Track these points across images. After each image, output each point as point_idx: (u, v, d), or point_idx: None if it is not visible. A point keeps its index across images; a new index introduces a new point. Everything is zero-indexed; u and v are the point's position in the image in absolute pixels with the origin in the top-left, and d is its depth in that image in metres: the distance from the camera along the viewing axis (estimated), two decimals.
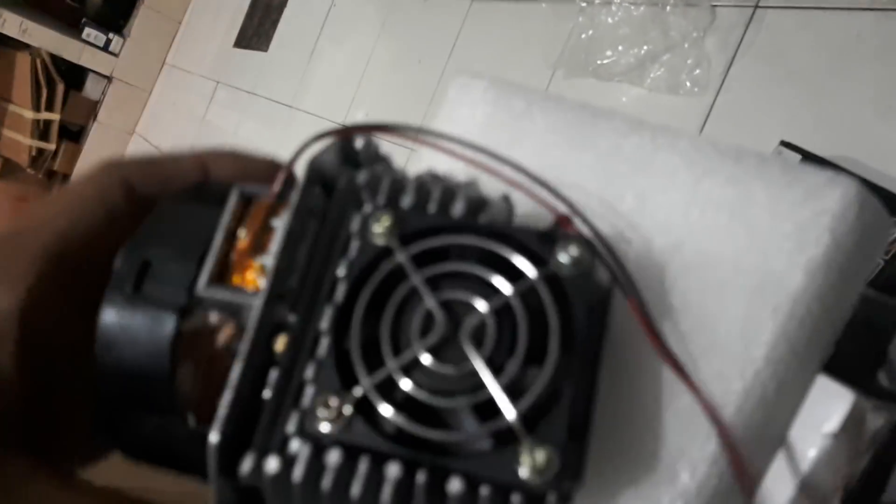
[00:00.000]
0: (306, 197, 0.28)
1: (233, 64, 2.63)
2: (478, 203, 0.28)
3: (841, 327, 0.28)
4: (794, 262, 0.27)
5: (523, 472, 0.27)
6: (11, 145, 2.87)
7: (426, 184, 0.28)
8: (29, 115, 2.75)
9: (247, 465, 0.27)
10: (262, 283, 0.29)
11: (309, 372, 0.28)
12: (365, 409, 0.27)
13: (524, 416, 0.27)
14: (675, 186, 0.30)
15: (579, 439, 0.28)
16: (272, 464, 0.27)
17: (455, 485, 0.27)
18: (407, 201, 0.28)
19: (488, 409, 0.28)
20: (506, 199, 0.28)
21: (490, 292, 0.28)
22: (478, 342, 0.27)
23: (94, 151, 2.97)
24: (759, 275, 0.28)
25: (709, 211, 0.29)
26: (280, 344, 0.29)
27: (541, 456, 0.27)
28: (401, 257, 0.27)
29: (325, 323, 0.28)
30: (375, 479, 0.27)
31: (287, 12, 2.38)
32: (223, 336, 0.30)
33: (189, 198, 0.31)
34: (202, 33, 2.89)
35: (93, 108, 2.95)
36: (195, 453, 0.30)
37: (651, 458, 0.30)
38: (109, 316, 0.29)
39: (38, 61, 2.71)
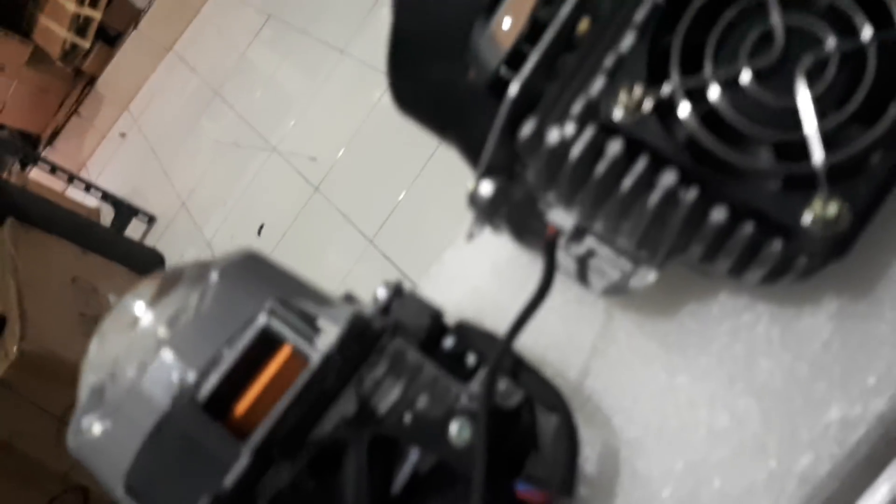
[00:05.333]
0: None
1: None
2: None
3: None
4: None
5: (807, 218, 0.25)
6: (46, 34, 2.80)
7: None
8: (71, 7, 2.69)
9: (527, 128, 0.26)
10: None
11: (608, 61, 0.26)
12: (661, 110, 0.26)
13: (831, 167, 0.25)
14: None
15: (870, 209, 0.26)
16: (553, 135, 0.26)
17: (719, 213, 0.26)
18: None
19: (791, 150, 0.26)
20: None
21: (845, 32, 0.25)
22: (811, 80, 0.25)
23: (128, 59, 2.91)
24: None
25: None
26: (583, 26, 0.26)
27: (833, 209, 0.25)
28: None
29: (639, 15, 0.26)
30: (647, 181, 0.26)
31: None
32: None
33: None
34: None
35: (136, 16, 2.89)
36: (467, 106, 0.29)
37: None
38: None
39: None
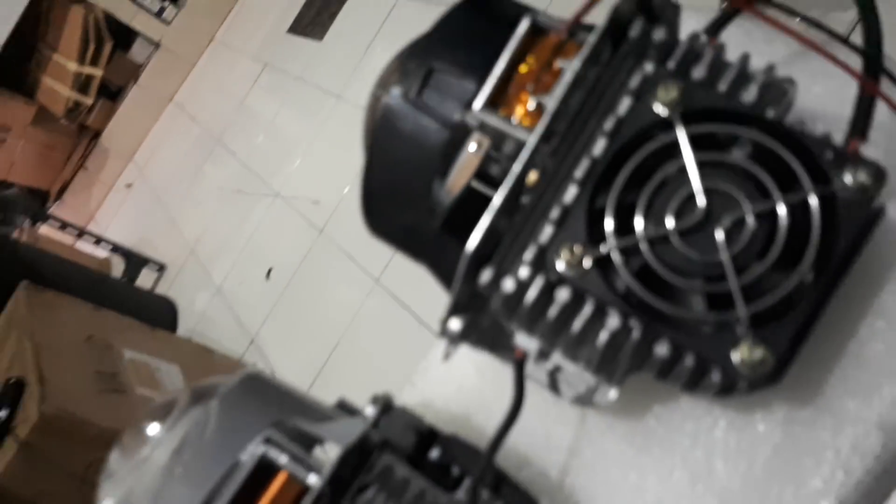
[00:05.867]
0: (601, 44, 0.29)
1: (283, 49, 2.66)
2: (772, 92, 0.28)
3: None
4: None
5: (735, 359, 0.28)
6: (49, 94, 2.87)
7: (721, 59, 0.29)
8: (72, 66, 2.76)
9: (485, 277, 0.29)
10: (534, 120, 0.30)
11: (554, 213, 0.29)
12: (602, 264, 0.29)
13: (754, 316, 0.28)
14: None
15: (793, 349, 0.29)
16: (508, 284, 0.29)
17: (663, 348, 0.29)
18: (698, 73, 0.29)
19: (721, 298, 0.29)
20: (790, 83, 0.29)
21: (758, 193, 0.28)
22: (730, 238, 0.28)
23: (130, 112, 2.98)
24: None
25: None
26: (532, 178, 0.30)
27: (758, 354, 0.28)
28: (680, 136, 0.28)
29: (579, 172, 0.29)
30: (595, 322, 0.29)
31: (348, 6, 2.42)
32: (476, 158, 0.31)
33: (482, 10, 0.32)
34: (256, 15, 2.92)
35: (135, 71, 2.97)
36: (433, 250, 0.32)
37: (868, 364, 0.31)
38: (392, 113, 0.31)
39: (92, 17, 2.74)
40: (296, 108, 2.51)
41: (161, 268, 2.66)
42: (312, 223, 2.19)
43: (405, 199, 0.35)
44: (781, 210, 0.28)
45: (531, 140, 0.31)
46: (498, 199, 0.31)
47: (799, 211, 0.28)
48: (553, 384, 0.38)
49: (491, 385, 0.45)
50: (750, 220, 0.28)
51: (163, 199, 2.89)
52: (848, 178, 0.27)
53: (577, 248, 0.29)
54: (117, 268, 2.68)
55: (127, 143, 3.04)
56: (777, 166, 0.28)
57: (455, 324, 0.34)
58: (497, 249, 0.31)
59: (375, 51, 2.19)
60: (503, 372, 0.44)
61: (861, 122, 0.28)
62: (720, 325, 0.29)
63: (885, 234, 0.32)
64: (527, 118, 0.32)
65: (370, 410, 0.39)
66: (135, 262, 2.61)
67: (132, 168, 3.10)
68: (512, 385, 0.37)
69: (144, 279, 2.64)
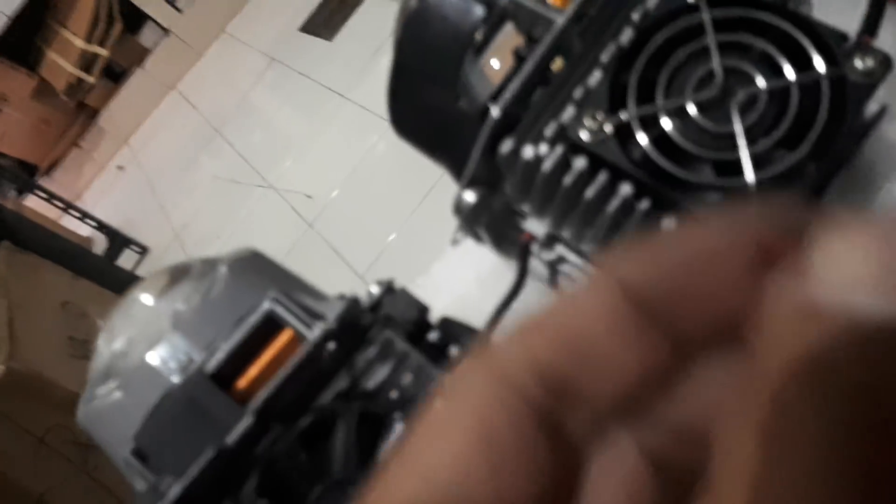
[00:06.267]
0: None
1: (292, 46, 2.69)
2: None
3: None
4: None
5: None
6: (53, 68, 2.88)
7: None
8: (79, 43, 2.78)
9: (506, 146, 0.31)
10: (567, 2, 0.32)
11: (577, 94, 0.31)
12: (621, 133, 0.31)
13: (760, 183, 0.30)
14: None
15: None
16: (528, 152, 0.30)
17: (669, 221, 0.30)
18: None
19: (729, 168, 0.31)
20: None
21: (773, 73, 0.30)
22: (743, 111, 0.30)
23: (131, 95, 2.98)
24: None
25: None
26: (557, 65, 0.31)
27: None
28: (705, 16, 0.30)
29: (605, 57, 0.31)
30: (607, 191, 0.31)
31: (361, 9, 2.46)
32: (513, 43, 0.33)
33: None
34: (270, 11, 2.96)
35: (142, 55, 2.98)
36: (456, 129, 0.34)
37: None
38: None
39: None
40: (299, 105, 2.54)
41: (144, 250, 2.64)
42: (303, 217, 2.19)
43: (435, 75, 0.37)
44: (794, 88, 0.30)
45: (560, 19, 0.32)
46: (526, 68, 0.32)
47: (810, 91, 0.30)
48: (553, 279, 0.40)
49: (491, 294, 0.46)
50: (763, 96, 0.30)
51: (154, 185, 2.88)
52: (858, 63, 0.29)
53: (600, 116, 0.31)
54: (99, 248, 2.65)
55: (124, 126, 3.04)
56: (792, 51, 0.30)
57: (470, 195, 0.36)
58: (518, 126, 0.33)
59: (384, 55, 2.23)
60: (503, 281, 0.45)
61: (872, 21, 0.30)
62: (727, 191, 0.31)
63: (884, 136, 0.34)
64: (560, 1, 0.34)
65: (374, 289, 0.40)
66: (118, 241, 2.59)
67: (126, 151, 3.09)
68: (515, 271, 0.39)
69: (126, 261, 2.61)
